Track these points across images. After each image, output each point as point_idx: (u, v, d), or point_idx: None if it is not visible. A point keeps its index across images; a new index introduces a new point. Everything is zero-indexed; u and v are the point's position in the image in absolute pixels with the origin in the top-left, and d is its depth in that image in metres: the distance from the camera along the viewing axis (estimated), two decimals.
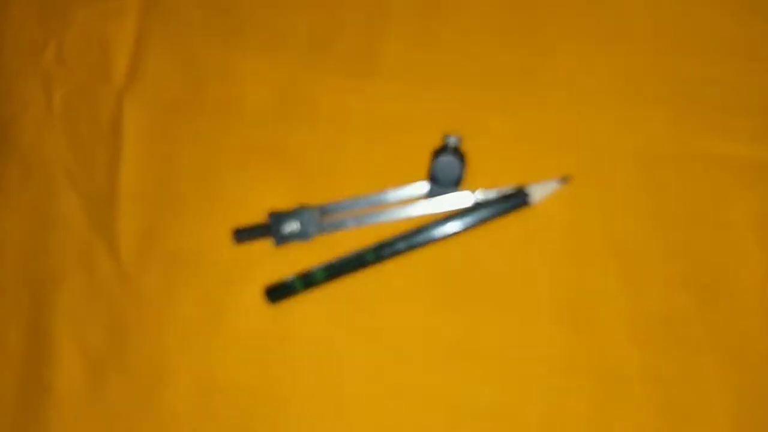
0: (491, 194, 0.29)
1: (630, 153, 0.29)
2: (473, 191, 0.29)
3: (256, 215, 0.31)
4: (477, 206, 0.29)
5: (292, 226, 0.30)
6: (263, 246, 0.31)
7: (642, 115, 0.29)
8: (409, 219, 0.30)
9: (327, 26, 0.32)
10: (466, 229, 0.29)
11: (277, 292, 0.30)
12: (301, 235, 0.30)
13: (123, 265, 0.33)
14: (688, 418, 0.28)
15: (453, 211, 0.29)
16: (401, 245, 0.29)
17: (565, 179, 0.28)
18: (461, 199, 0.29)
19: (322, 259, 0.30)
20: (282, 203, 0.31)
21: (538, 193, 0.29)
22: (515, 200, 0.29)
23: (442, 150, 0.29)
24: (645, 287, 0.29)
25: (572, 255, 0.29)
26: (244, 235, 0.30)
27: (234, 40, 0.33)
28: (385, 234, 0.30)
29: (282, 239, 0.30)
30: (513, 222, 0.29)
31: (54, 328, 0.33)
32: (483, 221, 0.29)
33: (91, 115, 0.34)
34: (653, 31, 0.30)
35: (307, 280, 0.30)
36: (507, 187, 0.29)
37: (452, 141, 0.29)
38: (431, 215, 0.29)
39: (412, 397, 0.29)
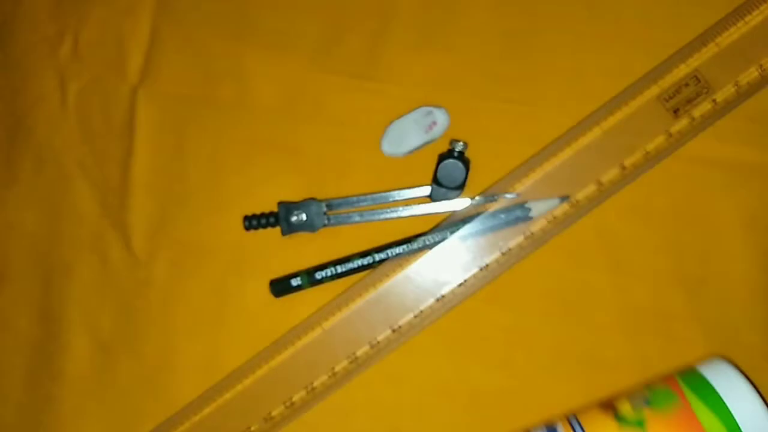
0: (493, 199, 0.30)
1: None
2: (474, 197, 0.30)
3: (264, 208, 0.32)
4: (478, 218, 0.30)
5: (299, 217, 0.31)
6: (271, 236, 0.32)
7: None
8: (412, 218, 0.30)
9: (334, 27, 0.33)
10: (466, 238, 0.30)
11: (282, 288, 0.31)
12: (308, 227, 0.31)
13: (134, 254, 0.34)
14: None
15: (455, 221, 0.30)
16: (402, 250, 0.30)
17: (565, 197, 0.29)
18: (463, 202, 0.30)
19: (327, 251, 0.31)
20: (289, 196, 0.32)
21: (539, 209, 0.30)
22: (516, 215, 0.30)
23: (447, 154, 0.30)
24: (635, 283, 0.30)
25: (565, 251, 0.30)
26: (253, 222, 0.31)
27: (245, 38, 0.34)
28: (388, 231, 0.31)
29: (289, 229, 0.31)
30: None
31: (65, 315, 0.34)
32: (483, 233, 0.30)
33: (105, 109, 0.35)
34: (647, 35, 0.31)
35: (312, 280, 0.31)
36: (510, 193, 0.30)
37: (458, 146, 0.30)
38: (433, 216, 0.30)
39: (408, 380, 0.30)
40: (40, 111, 0.36)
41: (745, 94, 0.30)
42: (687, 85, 0.30)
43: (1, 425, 0.34)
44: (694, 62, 0.30)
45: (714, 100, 0.30)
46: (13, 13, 0.38)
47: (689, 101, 0.30)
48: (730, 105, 0.30)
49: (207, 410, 0.31)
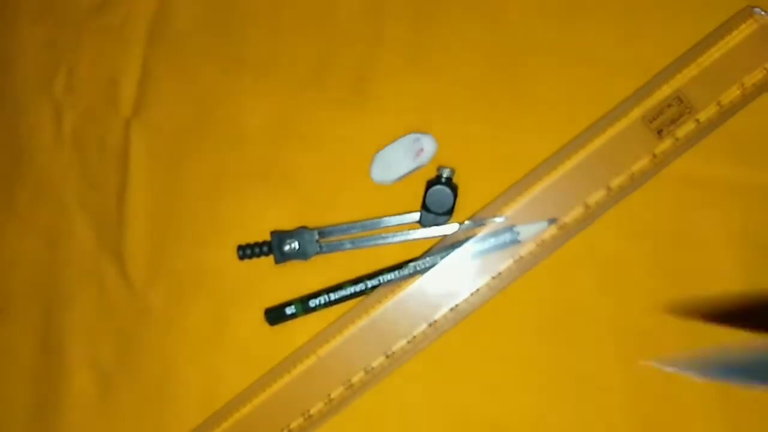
0: (482, 223, 0.30)
1: None
2: (463, 221, 0.31)
3: (257, 237, 0.32)
4: (468, 242, 0.30)
5: (291, 246, 0.31)
6: (264, 264, 0.32)
7: None
8: (403, 243, 0.31)
9: (323, 55, 0.34)
10: (456, 264, 0.30)
11: (276, 317, 0.32)
12: (300, 255, 0.32)
13: (131, 283, 0.34)
14: (665, 422, 0.29)
15: (445, 247, 0.31)
16: (394, 276, 0.31)
17: (553, 220, 0.30)
18: (452, 228, 0.31)
19: (320, 278, 0.32)
20: (282, 225, 0.32)
21: (528, 232, 0.30)
22: (505, 239, 0.30)
23: (435, 180, 0.31)
24: (626, 301, 0.30)
25: (555, 273, 0.30)
26: (246, 251, 0.32)
27: (236, 69, 0.35)
28: (379, 257, 0.31)
29: (282, 257, 0.32)
30: None
31: (65, 345, 0.35)
32: (473, 257, 0.30)
33: (100, 141, 0.36)
34: (629, 57, 0.31)
35: (306, 308, 0.31)
36: (498, 217, 0.30)
37: (445, 172, 0.31)
38: (424, 241, 0.31)
39: (403, 404, 0.31)
40: (36, 143, 0.37)
41: (727, 112, 0.30)
42: (670, 105, 0.31)
43: None
44: (676, 83, 0.31)
45: (697, 120, 0.30)
46: (8, 47, 0.38)
47: (673, 122, 0.31)
48: (713, 124, 0.30)
49: None
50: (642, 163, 0.31)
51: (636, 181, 0.31)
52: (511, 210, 0.31)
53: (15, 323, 0.36)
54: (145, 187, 0.35)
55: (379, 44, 0.33)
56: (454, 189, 0.30)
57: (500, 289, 0.30)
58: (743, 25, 0.30)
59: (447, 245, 0.31)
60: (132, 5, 0.36)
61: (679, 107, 0.31)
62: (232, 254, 0.32)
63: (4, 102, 0.38)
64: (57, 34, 0.38)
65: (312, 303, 0.31)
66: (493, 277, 0.31)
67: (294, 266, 0.32)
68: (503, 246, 0.30)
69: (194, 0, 0.35)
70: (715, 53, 0.31)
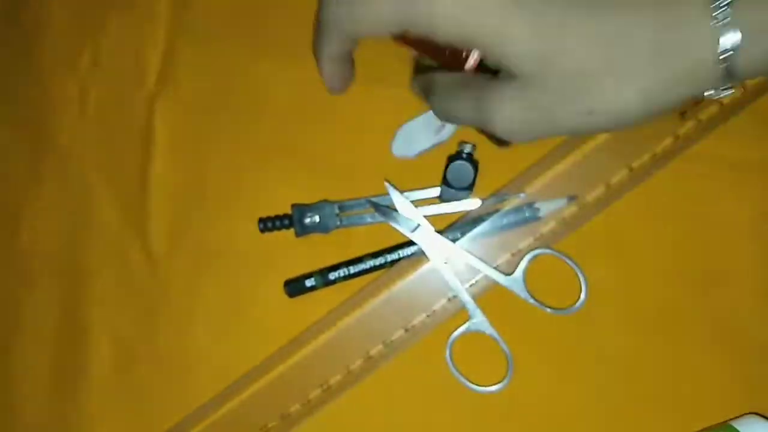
0: (502, 199, 0.31)
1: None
2: (484, 197, 0.31)
3: (278, 210, 0.33)
4: (488, 218, 0.30)
5: (312, 219, 0.32)
6: (285, 237, 0.33)
7: None
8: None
9: None
10: (476, 239, 0.30)
11: (296, 289, 0.32)
12: (321, 228, 0.32)
13: (153, 257, 0.35)
14: (685, 399, 0.29)
15: (465, 222, 0.31)
16: (414, 250, 0.31)
17: (573, 198, 0.30)
18: (472, 203, 0.31)
19: (339, 252, 0.32)
20: (303, 199, 0.33)
21: (548, 208, 0.30)
22: (526, 215, 0.30)
23: (456, 156, 0.31)
24: (642, 280, 0.30)
25: (574, 252, 0.30)
26: (267, 224, 0.32)
27: (258, 45, 0.35)
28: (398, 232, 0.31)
29: (303, 230, 0.32)
30: None
31: (88, 317, 0.35)
32: (492, 233, 0.30)
33: (124, 116, 0.36)
34: None
35: (326, 281, 0.31)
36: (518, 195, 0.31)
37: (467, 147, 0.31)
38: (443, 216, 0.31)
39: (421, 377, 0.31)
40: (61, 119, 0.38)
41: (751, 96, 0.30)
42: None
43: (28, 423, 0.35)
44: None
45: (721, 102, 0.30)
46: (35, 25, 0.39)
47: (696, 103, 0.30)
48: (736, 106, 0.30)
49: (225, 408, 0.32)
50: (664, 144, 0.31)
51: (658, 162, 0.31)
52: (533, 188, 0.31)
53: (40, 294, 0.36)
54: (168, 162, 0.35)
55: None
56: (475, 164, 0.31)
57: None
58: None
59: (467, 221, 0.31)
60: None
61: None
62: (254, 227, 0.33)
63: (30, 78, 0.39)
64: (82, 11, 0.38)
65: (332, 276, 0.31)
66: (513, 254, 0.31)
67: (314, 239, 0.32)
68: (524, 222, 0.30)
69: None
70: None
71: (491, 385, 0.30)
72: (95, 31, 0.38)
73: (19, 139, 0.38)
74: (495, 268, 0.30)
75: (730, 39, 0.20)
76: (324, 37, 0.27)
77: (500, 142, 0.30)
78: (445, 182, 0.31)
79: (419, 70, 0.30)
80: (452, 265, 0.30)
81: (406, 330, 0.31)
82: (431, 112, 0.31)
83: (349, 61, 0.29)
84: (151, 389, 0.34)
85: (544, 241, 0.31)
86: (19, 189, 0.37)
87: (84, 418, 0.34)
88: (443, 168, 0.31)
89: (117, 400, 0.34)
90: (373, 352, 0.31)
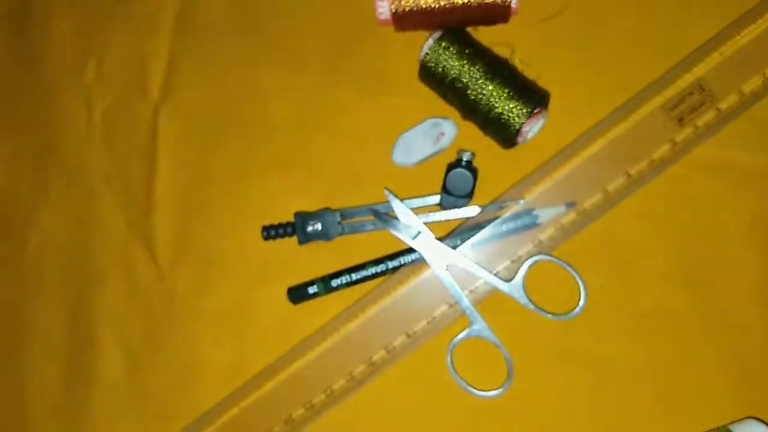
0: (501, 206, 0.31)
1: None
2: (483, 205, 0.31)
3: (281, 219, 0.33)
4: (488, 225, 0.31)
5: (315, 227, 0.32)
6: (288, 245, 0.33)
7: None
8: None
9: (346, 43, 0.35)
10: (476, 246, 0.31)
11: (299, 296, 0.32)
12: (323, 235, 0.32)
13: (159, 265, 0.35)
14: (684, 403, 0.30)
15: (466, 229, 0.31)
16: (415, 257, 0.31)
17: (571, 204, 0.30)
18: (472, 210, 0.31)
19: (342, 258, 0.32)
20: (305, 208, 0.33)
21: (546, 215, 0.31)
22: (525, 222, 0.31)
23: (455, 164, 0.31)
24: (640, 286, 0.31)
25: (572, 258, 0.31)
26: (271, 232, 0.33)
27: (260, 57, 0.35)
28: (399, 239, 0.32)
29: (305, 238, 0.32)
30: None
31: (95, 323, 0.36)
32: (492, 240, 0.31)
33: (129, 127, 0.37)
34: (652, 45, 0.32)
35: (328, 288, 0.32)
36: (517, 201, 0.31)
37: (466, 155, 0.31)
38: (443, 223, 0.32)
39: (422, 382, 0.32)
40: (68, 131, 0.38)
41: (748, 101, 0.30)
42: (691, 93, 0.31)
43: (39, 427, 0.36)
44: (698, 71, 0.31)
45: (718, 109, 0.31)
46: (40, 38, 0.40)
47: (694, 110, 0.31)
48: (733, 113, 0.31)
49: (231, 413, 0.33)
50: (662, 150, 0.31)
51: (655, 169, 0.31)
52: (531, 195, 0.31)
53: (49, 301, 0.37)
54: (172, 172, 0.36)
55: (398, 33, 0.34)
56: (474, 172, 0.31)
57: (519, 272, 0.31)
58: (766, 15, 0.31)
59: (467, 228, 0.31)
60: None
61: (701, 95, 0.31)
62: (257, 235, 0.33)
63: (37, 91, 0.39)
64: (88, 25, 0.39)
65: (334, 283, 0.32)
66: (513, 261, 0.31)
67: (317, 247, 0.33)
68: (523, 229, 0.31)
69: None
70: (737, 42, 0.31)
71: (492, 390, 0.30)
72: (100, 43, 0.38)
73: (26, 150, 0.39)
74: (495, 274, 0.31)
75: None
76: None
77: (506, 142, 0.31)
78: (444, 190, 0.31)
79: None
80: (453, 271, 0.31)
81: (408, 336, 0.31)
82: (430, 120, 0.32)
83: None
84: (159, 394, 0.35)
85: (543, 248, 0.31)
86: (27, 198, 0.38)
87: (94, 421, 0.35)
88: (443, 176, 0.31)
89: (126, 404, 0.35)
90: (376, 357, 0.32)
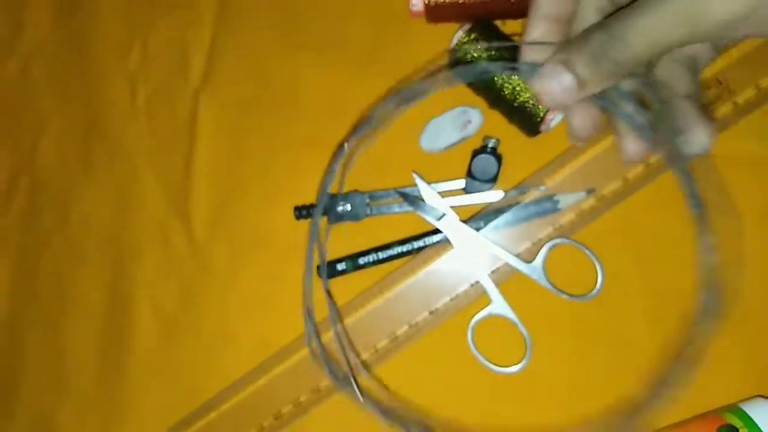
0: (523, 192, 0.32)
1: None
2: (507, 189, 0.33)
3: (313, 199, 0.35)
4: (509, 209, 0.32)
5: (344, 207, 0.34)
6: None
7: None
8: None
9: (378, 32, 0.36)
10: (498, 229, 0.32)
11: (328, 272, 0.34)
12: (352, 216, 0.34)
13: (195, 240, 0.37)
14: (695, 383, 0.31)
15: (489, 212, 0.32)
16: (440, 238, 0.33)
17: (591, 190, 0.32)
18: (495, 195, 0.33)
19: (369, 238, 0.34)
20: (335, 190, 0.35)
21: (567, 200, 0.32)
22: (545, 207, 0.32)
23: (481, 150, 0.33)
24: (656, 269, 0.32)
25: (592, 243, 0.32)
26: (302, 211, 0.34)
27: (296, 45, 0.37)
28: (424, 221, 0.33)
29: (335, 218, 0.34)
30: None
31: (132, 294, 0.38)
32: (514, 223, 0.32)
33: (170, 110, 0.39)
34: None
35: (356, 265, 0.34)
36: (538, 187, 0.32)
37: (491, 142, 0.33)
38: (468, 207, 0.33)
39: (444, 357, 0.33)
40: (112, 112, 0.40)
41: (765, 96, 0.32)
42: (710, 87, 0.32)
43: (80, 392, 0.38)
44: (716, 65, 0.32)
45: (735, 102, 0.32)
46: (87, 24, 0.42)
47: (711, 103, 0.32)
48: (750, 106, 0.32)
49: (259, 382, 0.35)
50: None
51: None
52: (553, 181, 0.33)
53: (89, 273, 0.39)
54: (210, 153, 0.38)
55: (430, 25, 0.36)
56: (499, 158, 0.32)
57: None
58: None
59: (490, 211, 0.33)
60: None
61: (719, 89, 0.32)
62: (289, 214, 0.35)
63: (83, 74, 0.42)
64: (132, 11, 0.41)
65: (361, 260, 0.34)
66: (533, 243, 0.32)
67: (345, 227, 0.34)
68: (544, 214, 0.32)
69: None
70: (755, 39, 0.32)
71: (510, 366, 0.31)
72: (144, 30, 0.41)
73: (73, 130, 0.41)
74: (516, 256, 0.32)
75: None
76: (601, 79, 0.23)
77: (531, 130, 0.32)
78: (469, 175, 0.33)
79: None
80: (475, 252, 0.32)
81: (431, 312, 0.33)
82: (458, 108, 0.34)
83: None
84: (191, 363, 0.36)
85: (563, 232, 0.32)
86: (72, 173, 0.40)
87: (130, 388, 0.37)
88: (468, 161, 0.33)
89: (159, 370, 0.37)
90: (399, 332, 0.33)
